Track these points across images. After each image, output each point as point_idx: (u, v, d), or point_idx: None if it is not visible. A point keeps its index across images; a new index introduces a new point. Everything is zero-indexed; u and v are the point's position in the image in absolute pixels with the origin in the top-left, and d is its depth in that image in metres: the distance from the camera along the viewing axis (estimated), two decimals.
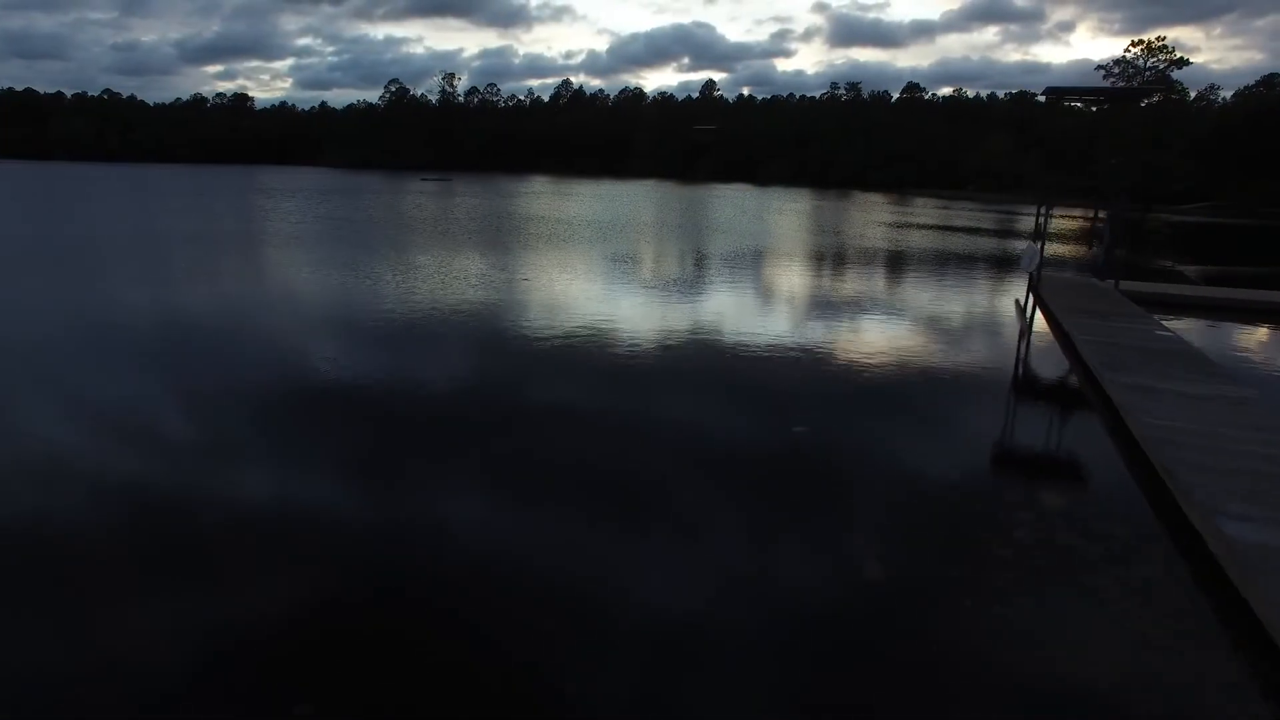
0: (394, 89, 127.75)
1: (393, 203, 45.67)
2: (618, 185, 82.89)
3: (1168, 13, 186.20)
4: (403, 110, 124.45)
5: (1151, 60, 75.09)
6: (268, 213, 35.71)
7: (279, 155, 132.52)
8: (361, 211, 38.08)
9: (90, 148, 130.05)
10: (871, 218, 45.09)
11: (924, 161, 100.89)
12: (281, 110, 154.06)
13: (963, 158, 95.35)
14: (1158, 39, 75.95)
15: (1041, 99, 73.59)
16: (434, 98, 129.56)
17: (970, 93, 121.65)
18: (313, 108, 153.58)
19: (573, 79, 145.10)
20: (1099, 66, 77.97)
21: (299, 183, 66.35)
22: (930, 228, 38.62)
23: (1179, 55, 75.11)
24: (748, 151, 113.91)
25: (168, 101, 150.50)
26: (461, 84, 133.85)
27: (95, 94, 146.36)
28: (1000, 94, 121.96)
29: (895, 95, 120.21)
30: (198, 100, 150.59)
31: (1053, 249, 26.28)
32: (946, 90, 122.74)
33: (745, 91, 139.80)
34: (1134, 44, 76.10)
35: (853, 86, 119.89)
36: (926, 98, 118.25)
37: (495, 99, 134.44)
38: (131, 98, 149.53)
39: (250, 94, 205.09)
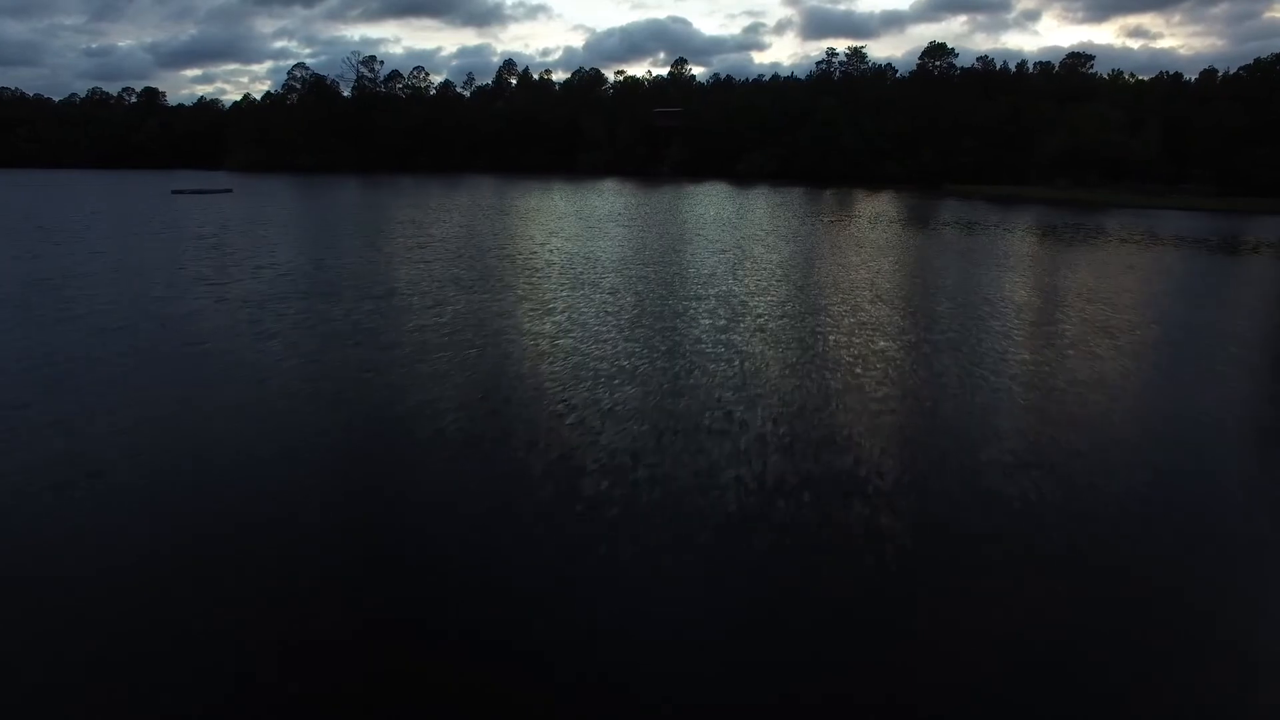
0: (302, 76, 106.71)
1: None
2: (568, 191, 60.46)
3: (1127, 1, 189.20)
4: (310, 102, 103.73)
5: None
6: None
7: (193, 157, 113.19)
8: None
9: None
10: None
11: (952, 148, 78.90)
12: (198, 107, 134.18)
13: (1026, 140, 72.48)
14: None
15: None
16: (348, 88, 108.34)
17: (997, 62, 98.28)
18: (236, 103, 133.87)
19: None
20: None
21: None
22: None
23: None
24: (724, 141, 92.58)
25: (59, 99, 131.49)
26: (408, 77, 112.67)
27: None
28: (1030, 64, 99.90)
29: (901, 72, 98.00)
30: (99, 97, 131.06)
31: None
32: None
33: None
34: None
35: (855, 53, 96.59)
36: (949, 69, 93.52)
37: (425, 86, 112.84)
38: (17, 92, 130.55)
39: (220, 92, 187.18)
